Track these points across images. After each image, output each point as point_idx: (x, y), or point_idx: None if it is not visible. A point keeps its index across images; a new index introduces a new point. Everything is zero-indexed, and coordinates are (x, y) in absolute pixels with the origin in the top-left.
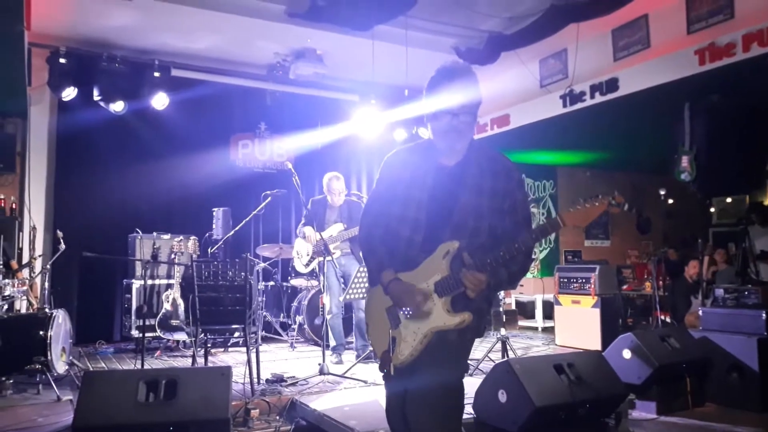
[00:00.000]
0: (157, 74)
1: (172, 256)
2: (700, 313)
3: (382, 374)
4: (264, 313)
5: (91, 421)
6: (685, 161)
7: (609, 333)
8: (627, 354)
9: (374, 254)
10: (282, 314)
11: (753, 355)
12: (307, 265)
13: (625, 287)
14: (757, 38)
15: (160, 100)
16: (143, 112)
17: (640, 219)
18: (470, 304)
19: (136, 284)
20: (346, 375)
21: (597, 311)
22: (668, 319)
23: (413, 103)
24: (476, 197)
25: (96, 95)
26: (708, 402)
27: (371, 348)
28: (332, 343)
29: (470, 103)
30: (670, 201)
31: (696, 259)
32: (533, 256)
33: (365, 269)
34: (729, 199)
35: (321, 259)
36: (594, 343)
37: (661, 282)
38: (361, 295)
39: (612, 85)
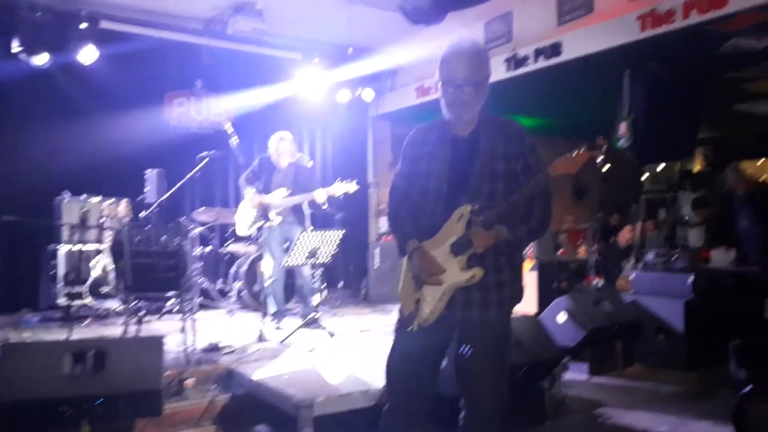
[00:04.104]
0: (84, 25)
1: (102, 220)
2: (632, 277)
3: (398, 329)
4: (201, 280)
5: (11, 396)
6: (623, 127)
7: (545, 296)
8: (562, 317)
9: (400, 227)
10: (220, 280)
11: (679, 317)
12: (250, 227)
13: (560, 252)
14: (696, 5)
15: (87, 54)
16: (69, 66)
17: (577, 185)
18: (483, 262)
19: (63, 249)
20: (285, 342)
21: (534, 275)
22: (601, 283)
23: (358, 62)
24: (490, 162)
25: (16, 47)
26: (636, 362)
27: (314, 314)
28: (272, 309)
29: (473, 75)
30: (606, 167)
31: (629, 225)
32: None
33: (308, 234)
34: (661, 166)
35: (262, 223)
36: (530, 306)
37: (595, 247)
38: (302, 261)
39: (555, 49)
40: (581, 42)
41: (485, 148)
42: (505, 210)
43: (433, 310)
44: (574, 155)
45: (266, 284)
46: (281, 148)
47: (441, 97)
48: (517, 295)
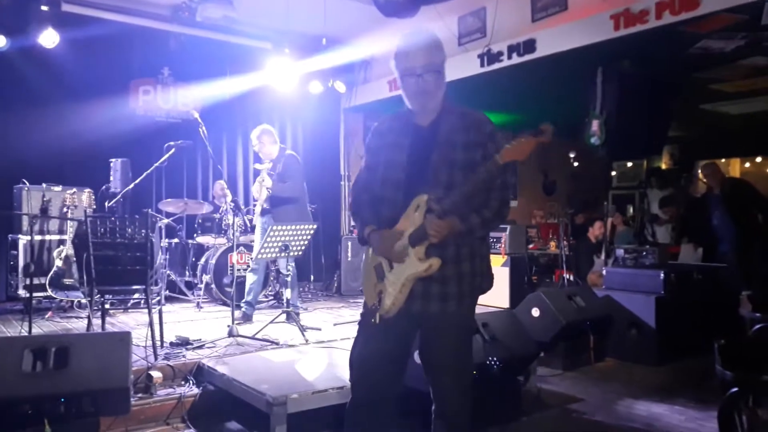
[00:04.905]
0: (44, 8)
1: (65, 210)
2: (604, 272)
3: (362, 322)
4: (168, 272)
5: None
6: (595, 125)
7: (516, 291)
8: (536, 312)
9: (360, 216)
10: (187, 273)
11: (651, 312)
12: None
13: (530, 246)
14: (669, 6)
15: (49, 38)
16: (29, 50)
17: (546, 181)
18: (443, 252)
19: (23, 240)
20: (257, 336)
21: (506, 270)
22: (572, 278)
23: (331, 53)
24: (449, 152)
25: None
26: (608, 357)
27: (287, 308)
28: (245, 301)
29: (432, 62)
30: (576, 164)
31: (600, 221)
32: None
33: (278, 228)
34: (629, 164)
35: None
36: (503, 301)
37: (566, 242)
38: (273, 255)
39: (529, 46)
40: (555, 39)
41: (444, 137)
42: (458, 199)
43: (395, 301)
44: (521, 141)
45: (247, 274)
46: (260, 140)
47: (402, 90)
48: (480, 286)
